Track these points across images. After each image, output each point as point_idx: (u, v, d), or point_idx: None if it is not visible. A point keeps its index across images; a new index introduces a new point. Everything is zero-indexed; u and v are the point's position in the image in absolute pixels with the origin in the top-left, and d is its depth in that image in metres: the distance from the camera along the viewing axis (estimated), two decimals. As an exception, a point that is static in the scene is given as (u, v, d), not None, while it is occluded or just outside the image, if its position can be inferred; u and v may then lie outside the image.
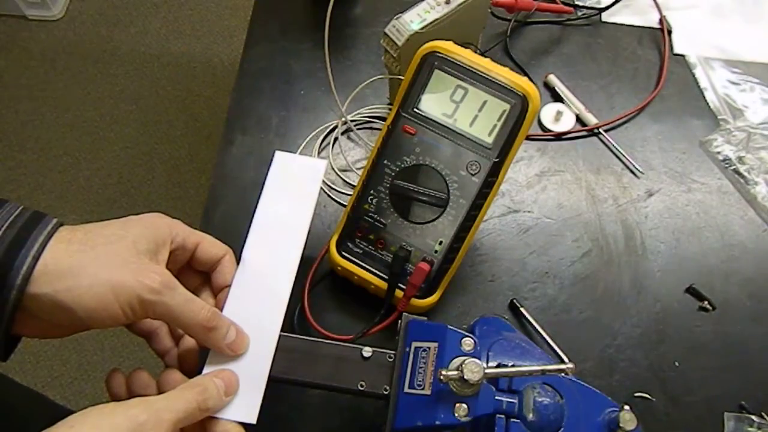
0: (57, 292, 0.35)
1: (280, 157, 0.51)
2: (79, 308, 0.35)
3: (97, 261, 0.36)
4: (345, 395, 0.44)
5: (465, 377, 0.37)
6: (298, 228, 0.48)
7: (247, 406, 0.41)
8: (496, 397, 0.42)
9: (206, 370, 0.42)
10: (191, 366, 0.43)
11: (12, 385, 0.68)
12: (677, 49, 0.78)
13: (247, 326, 0.43)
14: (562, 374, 0.43)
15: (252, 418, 0.41)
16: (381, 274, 0.54)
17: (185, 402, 0.37)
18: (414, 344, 0.42)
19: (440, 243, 0.53)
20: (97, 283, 0.36)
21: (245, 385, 0.41)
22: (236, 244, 0.47)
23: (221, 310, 0.43)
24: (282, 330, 0.44)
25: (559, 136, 0.71)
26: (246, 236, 0.48)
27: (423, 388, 0.40)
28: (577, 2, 0.80)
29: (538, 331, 0.57)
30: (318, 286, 0.60)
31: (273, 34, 0.77)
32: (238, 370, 0.42)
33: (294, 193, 0.50)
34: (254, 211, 0.48)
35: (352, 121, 0.69)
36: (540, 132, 0.71)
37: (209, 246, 0.44)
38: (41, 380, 1.35)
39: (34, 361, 1.37)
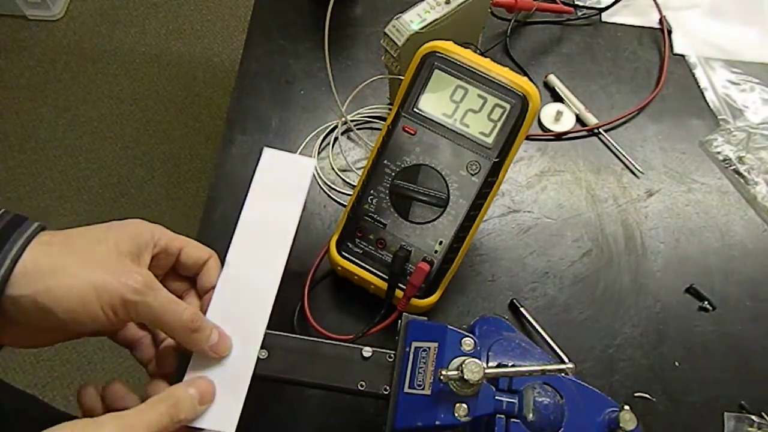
0: (37, 293, 0.34)
1: (268, 154, 0.49)
2: (59, 309, 0.35)
3: (78, 262, 0.36)
4: (345, 395, 0.44)
5: (465, 377, 0.37)
6: (285, 229, 0.46)
7: (225, 415, 0.40)
8: (496, 397, 0.42)
9: (187, 376, 0.41)
10: (170, 368, 0.43)
11: (2, 387, 0.67)
12: (677, 49, 0.78)
13: (229, 331, 0.42)
14: (562, 374, 0.43)
15: (230, 428, 0.40)
16: (381, 274, 0.54)
17: (157, 415, 0.36)
18: (414, 344, 0.42)
19: (440, 243, 0.53)
20: (77, 284, 0.35)
21: (225, 393, 0.40)
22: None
23: (204, 313, 0.43)
24: (282, 330, 0.44)
25: (559, 136, 0.71)
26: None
27: (423, 388, 0.40)
28: (577, 2, 0.80)
29: (538, 331, 0.57)
30: (318, 286, 0.60)
31: (273, 34, 0.77)
32: (219, 377, 0.41)
33: (282, 193, 0.47)
34: (240, 211, 0.47)
35: (352, 121, 0.69)
36: (540, 132, 0.71)
37: (193, 249, 0.44)
38: (41, 380, 1.35)
39: (34, 361, 1.37)
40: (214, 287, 0.44)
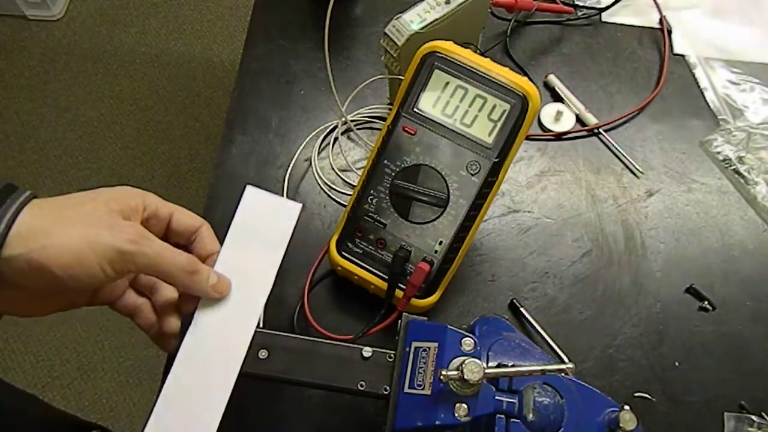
0: (32, 251, 0.35)
1: (251, 193, 0.45)
2: (55, 266, 0.35)
3: (70, 222, 0.37)
4: (345, 395, 0.44)
5: (465, 377, 0.37)
6: (264, 276, 0.43)
7: None
8: (496, 397, 0.42)
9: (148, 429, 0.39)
10: (171, 327, 0.43)
11: (2, 387, 0.67)
12: (677, 49, 0.78)
13: (194, 388, 0.40)
14: (562, 374, 0.42)
15: None
16: (381, 274, 0.54)
17: None
18: (414, 344, 0.42)
19: (440, 243, 0.53)
20: (72, 241, 0.36)
21: None
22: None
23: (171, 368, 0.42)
24: (282, 330, 0.44)
25: (559, 136, 0.71)
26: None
27: (423, 388, 0.40)
28: (577, 2, 0.80)
29: (538, 331, 0.57)
30: (318, 286, 0.60)
31: (273, 34, 0.77)
32: None
33: (263, 237, 0.44)
34: (218, 252, 0.44)
35: (352, 121, 0.69)
36: (540, 132, 0.71)
37: (184, 216, 0.43)
38: (41, 380, 1.35)
39: (33, 361, 1.37)
40: (211, 254, 0.44)
